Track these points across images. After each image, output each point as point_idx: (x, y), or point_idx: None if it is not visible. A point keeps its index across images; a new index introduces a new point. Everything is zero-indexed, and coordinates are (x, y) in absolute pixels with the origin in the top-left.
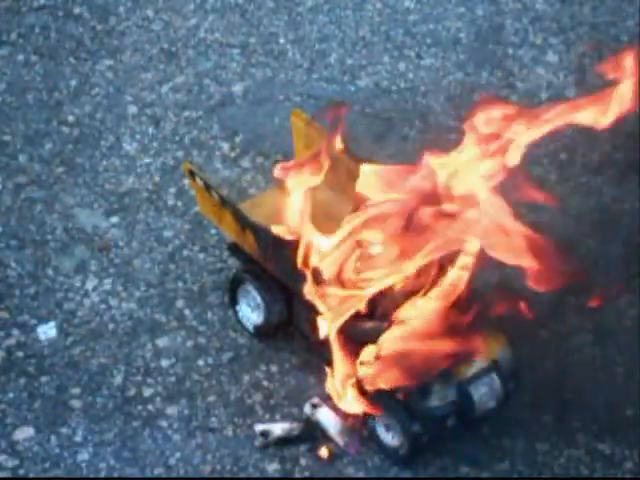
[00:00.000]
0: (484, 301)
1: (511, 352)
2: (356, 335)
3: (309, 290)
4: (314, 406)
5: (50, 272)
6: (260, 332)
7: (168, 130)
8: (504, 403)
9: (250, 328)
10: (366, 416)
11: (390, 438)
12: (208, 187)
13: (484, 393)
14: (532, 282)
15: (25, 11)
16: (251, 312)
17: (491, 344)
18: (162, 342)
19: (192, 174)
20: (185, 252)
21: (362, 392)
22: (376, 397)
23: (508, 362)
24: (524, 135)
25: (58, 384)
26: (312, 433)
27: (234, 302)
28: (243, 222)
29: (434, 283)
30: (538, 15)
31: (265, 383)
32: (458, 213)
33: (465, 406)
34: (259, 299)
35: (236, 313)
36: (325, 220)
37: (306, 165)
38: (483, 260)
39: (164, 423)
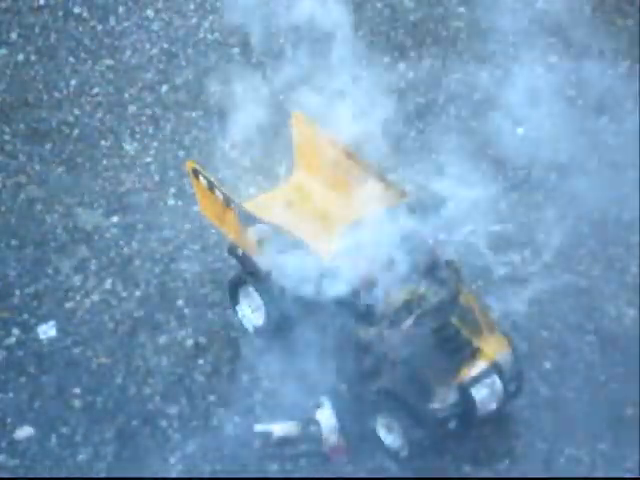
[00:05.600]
0: None
1: (513, 354)
2: (359, 342)
3: None
4: (317, 406)
5: (50, 272)
6: (260, 333)
7: (168, 130)
8: (505, 404)
9: (250, 328)
10: (367, 417)
11: (391, 439)
12: (212, 186)
13: (486, 395)
14: None
15: (25, 11)
16: (251, 313)
17: (493, 346)
18: (162, 341)
19: (196, 173)
20: (185, 252)
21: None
22: (378, 399)
23: (510, 364)
24: None
25: (58, 384)
26: (312, 433)
27: (235, 302)
28: (246, 220)
29: None
30: (538, 15)
31: (265, 383)
32: None
33: (467, 408)
34: (260, 300)
35: (236, 313)
36: (325, 221)
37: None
38: None
39: (164, 423)
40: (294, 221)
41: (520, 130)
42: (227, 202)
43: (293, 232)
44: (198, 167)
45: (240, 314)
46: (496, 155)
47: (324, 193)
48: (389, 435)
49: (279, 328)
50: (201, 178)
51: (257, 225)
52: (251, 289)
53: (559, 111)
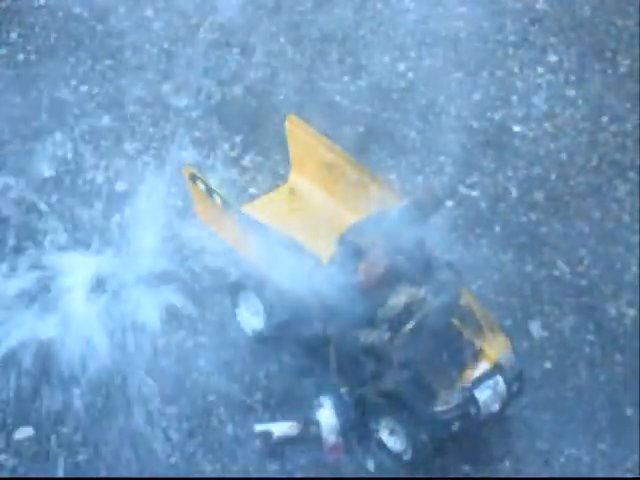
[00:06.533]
0: None
1: (515, 355)
2: (361, 346)
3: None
4: (317, 406)
5: (50, 272)
6: (260, 337)
7: (168, 130)
8: (508, 405)
9: (249, 332)
10: (370, 420)
11: (393, 442)
12: (210, 191)
13: (489, 396)
14: None
15: (25, 11)
16: (251, 317)
17: (494, 347)
18: (162, 342)
19: (194, 178)
20: (185, 252)
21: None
22: (381, 402)
23: (512, 364)
24: None
25: (58, 384)
26: (312, 433)
27: (234, 305)
28: (245, 225)
29: None
30: (538, 15)
31: (265, 383)
32: None
33: (470, 409)
34: (260, 305)
35: (235, 316)
36: (323, 225)
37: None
38: None
39: (164, 423)
40: (292, 225)
41: (517, 128)
42: (226, 207)
43: (292, 236)
44: (196, 172)
45: (239, 317)
46: (496, 154)
47: (321, 197)
48: (392, 438)
49: (279, 333)
50: (199, 183)
51: None
52: (252, 294)
53: (559, 111)
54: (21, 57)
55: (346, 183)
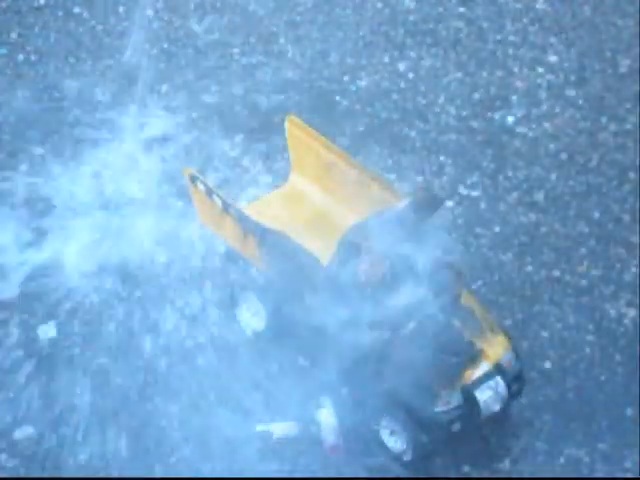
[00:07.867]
0: None
1: (515, 355)
2: (361, 346)
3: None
4: (317, 406)
5: (50, 272)
6: (260, 338)
7: (168, 130)
8: (508, 405)
9: (249, 333)
10: (370, 420)
11: (394, 442)
12: (210, 192)
13: (489, 396)
14: None
15: (25, 11)
16: (251, 317)
17: (495, 347)
18: (162, 341)
19: (193, 179)
20: (185, 252)
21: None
22: (381, 403)
23: (512, 364)
24: None
25: (58, 384)
26: (312, 433)
27: (234, 305)
28: (245, 226)
29: None
30: (538, 15)
31: (265, 383)
32: None
33: (470, 410)
34: (260, 306)
35: (235, 316)
36: (323, 225)
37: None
38: None
39: (164, 422)
40: (292, 226)
41: (517, 128)
42: (226, 208)
43: (292, 237)
44: (196, 173)
45: (239, 317)
46: (496, 154)
47: (321, 197)
48: (392, 438)
49: (279, 334)
50: (199, 184)
51: None
52: (251, 294)
53: (559, 111)
54: (21, 57)
55: (346, 183)
